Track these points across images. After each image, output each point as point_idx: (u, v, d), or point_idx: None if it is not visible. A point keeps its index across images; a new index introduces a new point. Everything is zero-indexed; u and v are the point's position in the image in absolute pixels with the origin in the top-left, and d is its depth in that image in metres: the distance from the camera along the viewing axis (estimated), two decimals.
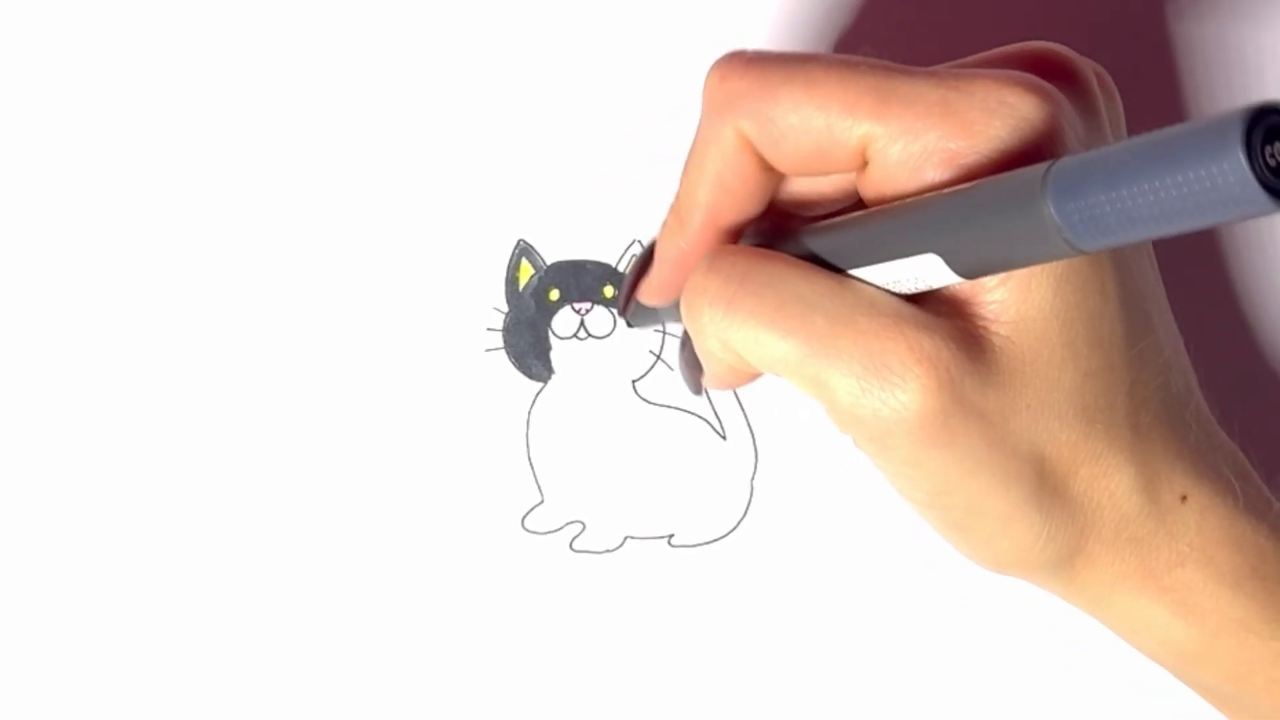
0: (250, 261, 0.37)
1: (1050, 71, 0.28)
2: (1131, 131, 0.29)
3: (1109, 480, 0.27)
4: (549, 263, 0.38)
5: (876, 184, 0.27)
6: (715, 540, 0.38)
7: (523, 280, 0.38)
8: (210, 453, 0.37)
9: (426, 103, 0.38)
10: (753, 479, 0.38)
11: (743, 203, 0.29)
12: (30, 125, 0.37)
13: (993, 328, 0.26)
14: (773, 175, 0.28)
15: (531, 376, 0.38)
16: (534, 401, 0.38)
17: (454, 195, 0.38)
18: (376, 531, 0.38)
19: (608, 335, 0.38)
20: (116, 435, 0.37)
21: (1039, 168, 0.23)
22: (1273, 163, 0.20)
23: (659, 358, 0.38)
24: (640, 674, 0.38)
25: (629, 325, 0.36)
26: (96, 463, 0.37)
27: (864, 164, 0.27)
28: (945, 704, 0.38)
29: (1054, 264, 0.25)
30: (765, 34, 0.38)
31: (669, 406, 0.38)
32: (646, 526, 0.38)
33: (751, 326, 0.26)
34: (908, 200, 0.26)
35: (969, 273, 0.25)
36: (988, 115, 0.25)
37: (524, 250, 0.38)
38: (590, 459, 0.38)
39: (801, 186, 0.29)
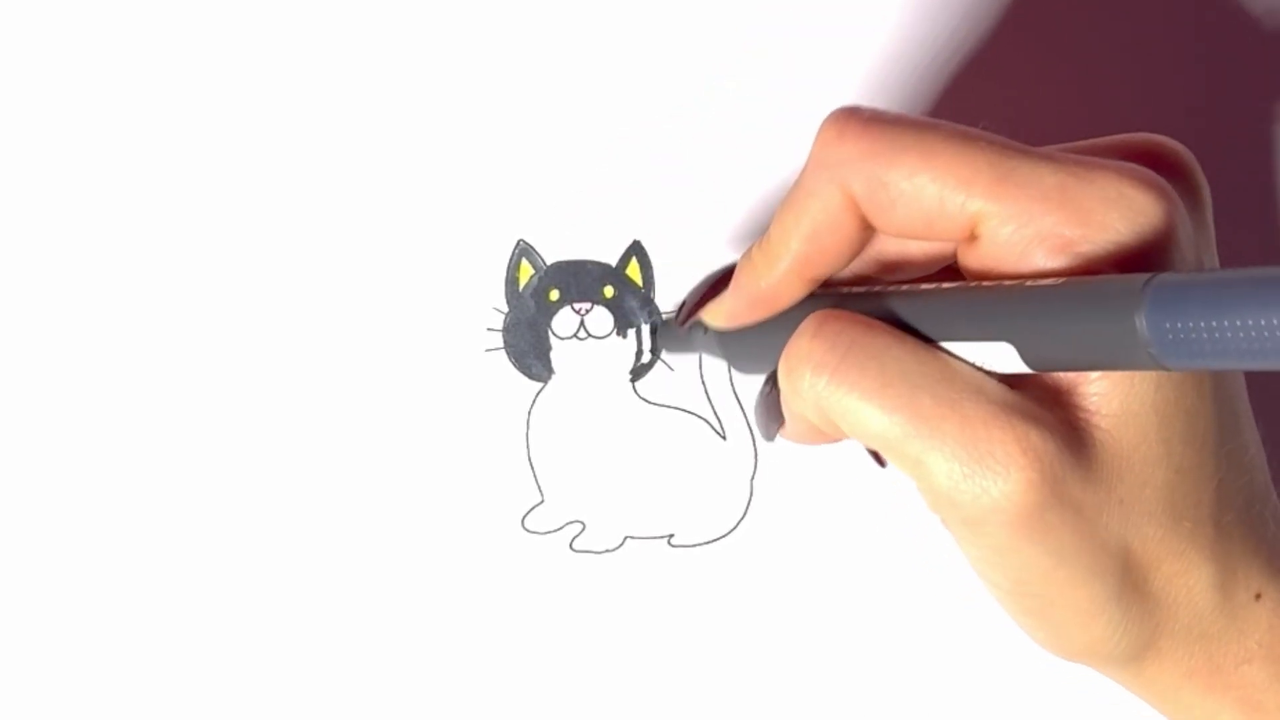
0: (250, 262, 0.37)
1: (1158, 163, 0.28)
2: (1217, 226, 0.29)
3: (1188, 577, 0.28)
4: (549, 263, 0.38)
5: (982, 260, 0.27)
6: (715, 540, 0.38)
7: (523, 280, 0.38)
8: (210, 452, 0.37)
9: (426, 103, 0.38)
10: (753, 479, 0.38)
11: (832, 257, 0.29)
12: (30, 125, 0.37)
13: (1094, 420, 0.26)
14: (867, 235, 0.29)
15: (531, 376, 0.38)
16: (534, 401, 0.38)
17: (454, 195, 0.38)
18: (377, 531, 0.38)
19: (608, 335, 0.38)
20: (116, 435, 0.37)
21: (1138, 278, 0.23)
22: None
23: (659, 358, 0.38)
24: (640, 674, 0.38)
25: (653, 352, 0.37)
26: (96, 463, 0.37)
27: (971, 238, 0.27)
28: (945, 704, 0.38)
29: None
30: (767, 34, 0.38)
31: (669, 406, 0.38)
32: (646, 526, 0.38)
33: (855, 400, 0.27)
34: (998, 284, 0.26)
35: (1040, 366, 0.26)
36: (1105, 206, 0.26)
37: (524, 250, 0.38)
38: (590, 459, 0.38)
39: (891, 246, 0.30)
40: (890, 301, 0.28)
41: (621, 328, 0.38)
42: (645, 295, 0.38)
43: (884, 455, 0.27)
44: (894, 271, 0.31)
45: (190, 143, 0.37)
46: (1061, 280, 0.25)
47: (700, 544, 0.38)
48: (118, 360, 0.37)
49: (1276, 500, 0.30)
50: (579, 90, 0.38)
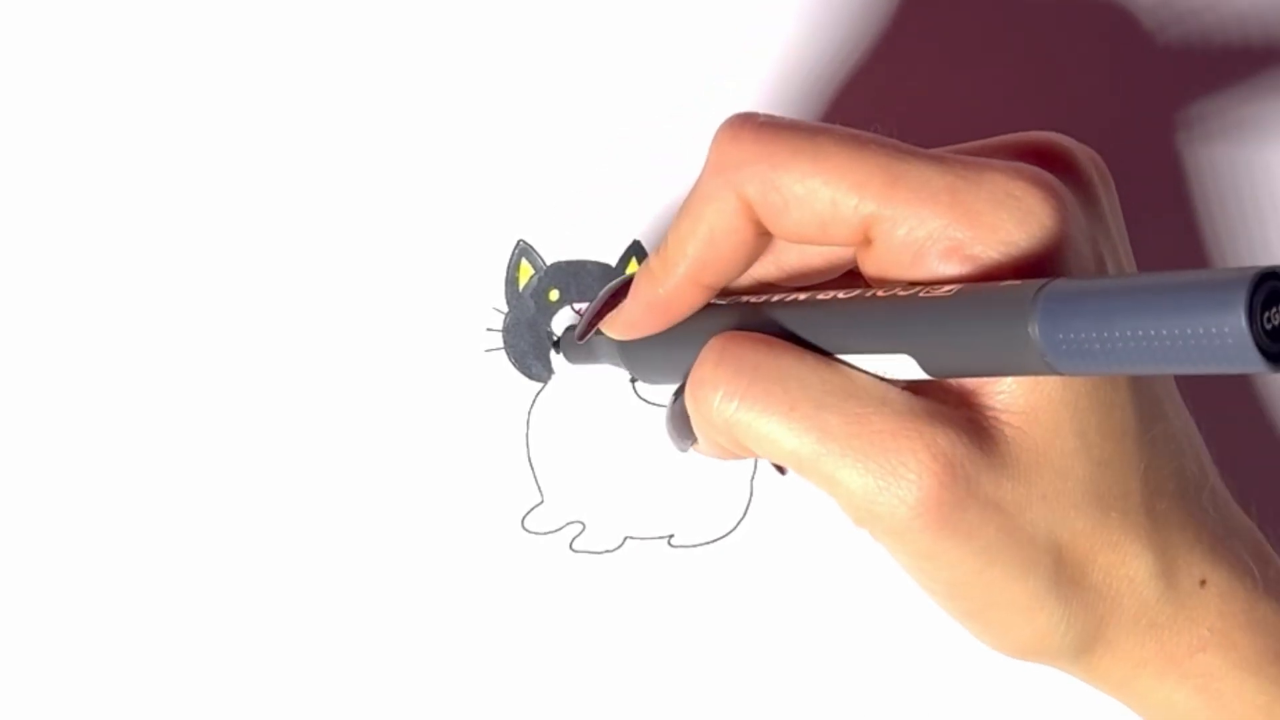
0: (250, 262, 0.37)
1: (1050, 161, 0.28)
2: (1129, 226, 0.29)
3: (1127, 567, 0.28)
4: (549, 263, 0.38)
5: (879, 264, 0.27)
6: (715, 540, 0.38)
7: (522, 280, 0.38)
8: (209, 453, 0.37)
9: (426, 103, 0.38)
10: (753, 479, 0.38)
11: (729, 264, 0.29)
12: (30, 125, 0.37)
13: (1004, 418, 0.26)
14: (764, 241, 0.29)
15: (531, 377, 0.38)
16: (534, 402, 0.38)
17: (454, 195, 0.38)
18: (376, 532, 0.38)
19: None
20: (116, 435, 0.37)
21: (1029, 286, 0.23)
22: (1269, 326, 0.20)
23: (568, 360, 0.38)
24: (640, 674, 0.38)
25: (567, 359, 0.37)
26: (95, 462, 0.37)
27: (866, 241, 0.27)
28: (944, 704, 0.38)
29: None
30: (767, 34, 0.38)
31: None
32: (646, 527, 0.38)
33: (763, 423, 0.27)
34: (892, 295, 0.26)
35: (939, 374, 0.26)
36: (995, 208, 0.26)
37: (524, 250, 0.38)
38: (590, 459, 0.38)
39: (791, 253, 0.30)
40: (788, 314, 0.28)
41: None
42: None
43: (799, 474, 0.27)
44: (795, 278, 0.31)
45: (190, 143, 0.37)
46: (954, 289, 0.25)
47: (700, 544, 0.38)
48: (118, 360, 0.37)
49: (1216, 485, 0.30)
50: (579, 90, 0.38)
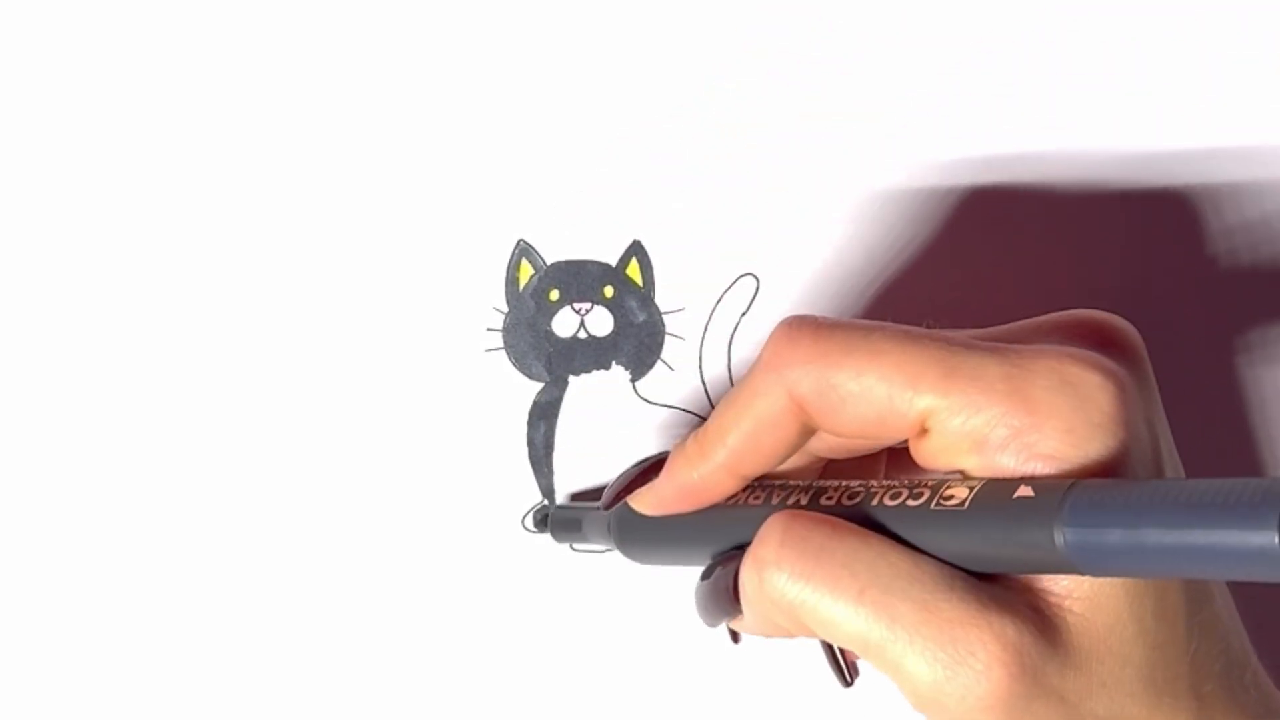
0: (250, 262, 0.37)
1: (1103, 341, 0.29)
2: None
3: None
4: (549, 263, 0.38)
5: (934, 453, 0.27)
6: None
7: (523, 280, 0.38)
8: (210, 452, 0.37)
9: (426, 103, 0.38)
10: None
11: (769, 458, 0.30)
12: (30, 125, 0.37)
13: (1066, 604, 0.26)
14: (805, 438, 0.29)
15: (531, 376, 0.38)
16: (534, 401, 0.38)
17: (454, 195, 0.38)
18: (376, 531, 0.38)
19: (607, 335, 0.38)
20: (116, 435, 0.37)
21: (1057, 491, 0.24)
22: None
23: (660, 358, 0.38)
24: (640, 674, 0.38)
25: (553, 537, 0.37)
26: (95, 462, 0.37)
27: (921, 432, 0.27)
28: None
29: None
30: (767, 34, 0.38)
31: (669, 406, 0.38)
32: None
33: (829, 606, 0.27)
34: (922, 506, 0.27)
35: (983, 571, 0.26)
36: (1051, 393, 0.26)
37: (524, 250, 0.38)
38: (590, 459, 0.38)
39: (816, 442, 0.30)
40: (834, 510, 0.29)
41: (622, 328, 0.38)
42: (645, 295, 0.38)
43: (863, 657, 0.27)
44: (816, 463, 0.32)
45: (190, 144, 0.37)
46: (970, 496, 0.26)
47: None
48: (118, 360, 0.37)
49: (1255, 665, 0.30)
50: (579, 90, 0.38)
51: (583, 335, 0.38)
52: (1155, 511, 0.22)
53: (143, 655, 0.38)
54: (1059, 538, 0.24)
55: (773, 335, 0.29)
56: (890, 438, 0.28)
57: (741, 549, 0.30)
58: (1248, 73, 0.38)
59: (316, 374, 0.38)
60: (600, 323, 0.38)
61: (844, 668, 0.31)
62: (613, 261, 0.38)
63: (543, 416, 0.38)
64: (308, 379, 0.38)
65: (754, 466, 0.30)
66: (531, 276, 0.38)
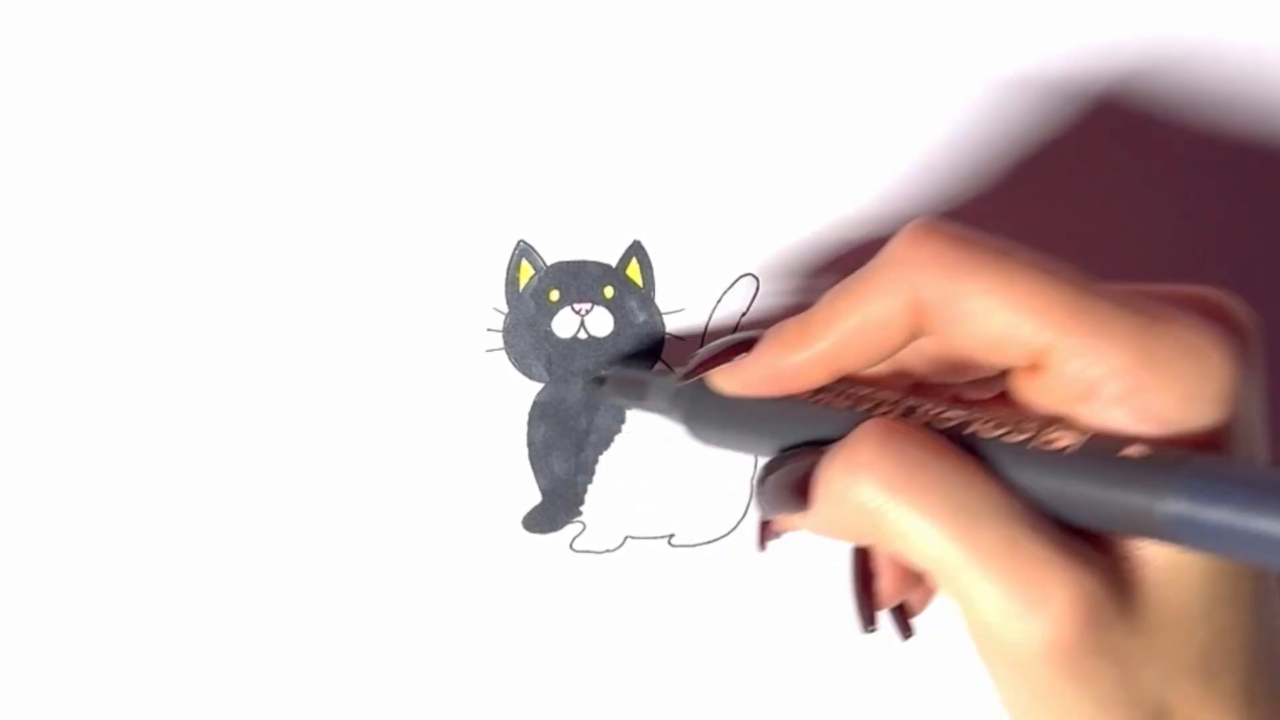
0: (251, 262, 0.37)
1: (1218, 317, 0.28)
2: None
3: None
4: (549, 263, 0.38)
5: (1042, 391, 0.27)
6: (715, 540, 0.38)
7: (523, 281, 0.38)
8: (210, 452, 0.38)
9: (426, 103, 0.38)
10: (753, 479, 0.38)
11: (871, 355, 0.29)
12: (30, 125, 0.37)
13: (1145, 571, 0.26)
14: (912, 340, 0.28)
15: (532, 377, 0.38)
16: (534, 402, 0.38)
17: (454, 195, 0.38)
18: (376, 531, 0.38)
19: (607, 336, 0.38)
20: (116, 434, 0.37)
21: (1170, 459, 0.24)
22: None
23: (659, 358, 0.38)
24: (640, 674, 0.38)
25: (611, 397, 0.36)
26: (95, 462, 0.37)
27: (1033, 368, 0.27)
28: (944, 704, 0.38)
29: None
30: (767, 34, 0.38)
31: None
32: (646, 526, 0.38)
33: (915, 521, 0.26)
34: (1041, 444, 0.26)
35: (1078, 524, 0.26)
36: (1179, 356, 0.26)
37: (524, 251, 0.38)
38: (590, 459, 0.38)
39: (912, 356, 0.30)
40: (918, 413, 0.28)
41: (622, 328, 0.38)
42: (645, 295, 0.38)
43: (934, 578, 0.27)
44: (900, 379, 0.31)
45: (191, 144, 0.37)
46: (1076, 444, 0.25)
47: (700, 544, 0.38)
48: (118, 360, 0.37)
49: None
50: (579, 90, 0.38)
51: (583, 336, 0.38)
52: (1268, 497, 0.22)
53: (142, 655, 0.38)
54: (1163, 507, 0.23)
55: (904, 232, 0.28)
56: (999, 364, 0.28)
57: (816, 445, 0.29)
58: None
59: (317, 374, 0.38)
60: (600, 323, 0.38)
61: (871, 612, 0.30)
62: (613, 262, 0.38)
63: (543, 417, 0.38)
64: (308, 379, 0.38)
65: (853, 361, 0.29)
66: (532, 277, 0.38)
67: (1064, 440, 0.26)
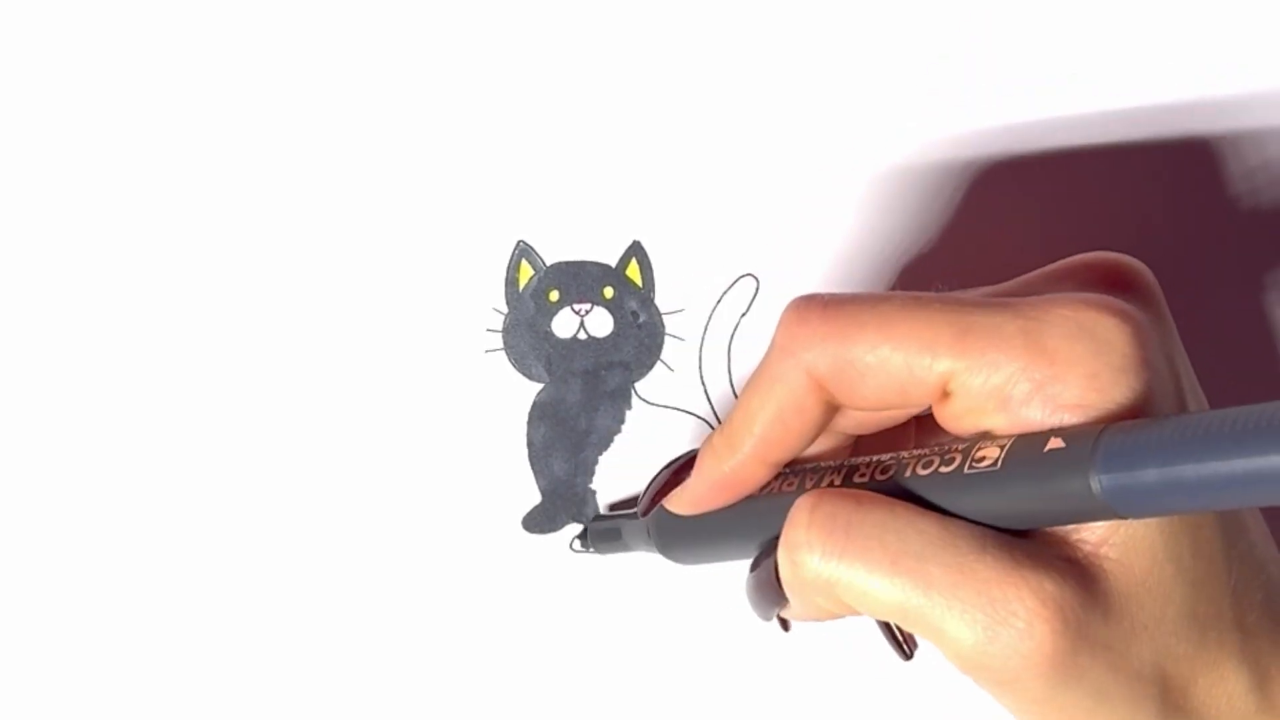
0: (250, 262, 0.37)
1: (1114, 281, 0.28)
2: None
3: (1225, 685, 0.28)
4: (549, 263, 0.38)
5: (958, 415, 0.27)
6: None
7: (522, 281, 0.38)
8: (209, 453, 0.38)
9: (426, 103, 0.38)
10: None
11: (797, 440, 0.29)
12: (30, 125, 0.37)
13: (1102, 552, 0.26)
14: (830, 416, 0.29)
15: (531, 377, 0.38)
16: (534, 402, 0.38)
17: (454, 195, 0.38)
18: (376, 532, 0.38)
19: (607, 336, 0.38)
20: (116, 435, 0.37)
21: (1088, 438, 0.24)
22: None
23: (659, 359, 0.38)
24: (640, 674, 0.38)
25: (594, 549, 0.37)
26: (95, 462, 0.37)
27: (944, 396, 0.27)
28: (943, 704, 0.38)
29: None
30: (767, 34, 0.38)
31: (669, 406, 0.38)
32: None
33: (864, 579, 0.27)
34: (954, 470, 0.26)
35: (1016, 526, 0.26)
36: (1069, 342, 0.26)
37: (524, 251, 0.38)
38: (590, 460, 0.38)
39: (844, 420, 0.30)
40: (868, 486, 0.29)
41: (621, 328, 0.38)
42: (645, 296, 0.38)
43: (903, 626, 0.27)
44: (846, 442, 0.31)
45: (190, 144, 0.37)
46: (1002, 454, 0.26)
47: None
48: (118, 360, 0.37)
49: None
50: (579, 90, 0.38)
51: (582, 336, 0.38)
52: (1189, 445, 0.22)
53: (141, 655, 0.38)
54: (1095, 484, 0.23)
55: (783, 317, 0.29)
56: (914, 405, 0.28)
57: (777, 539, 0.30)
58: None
59: (317, 375, 0.38)
60: (600, 323, 0.38)
61: (901, 641, 0.30)
62: (612, 262, 0.38)
63: (543, 417, 0.38)
64: (308, 380, 0.38)
65: (783, 452, 0.30)
66: (531, 277, 0.38)
67: (990, 455, 0.26)
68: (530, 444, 0.38)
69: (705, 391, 0.38)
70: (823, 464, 0.30)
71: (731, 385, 0.38)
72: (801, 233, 0.38)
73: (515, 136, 0.38)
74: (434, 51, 0.38)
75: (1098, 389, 0.26)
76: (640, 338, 0.38)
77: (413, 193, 0.38)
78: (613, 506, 0.38)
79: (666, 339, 0.38)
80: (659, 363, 0.38)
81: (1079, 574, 0.26)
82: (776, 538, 0.30)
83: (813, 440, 0.30)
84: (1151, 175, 0.38)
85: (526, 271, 0.38)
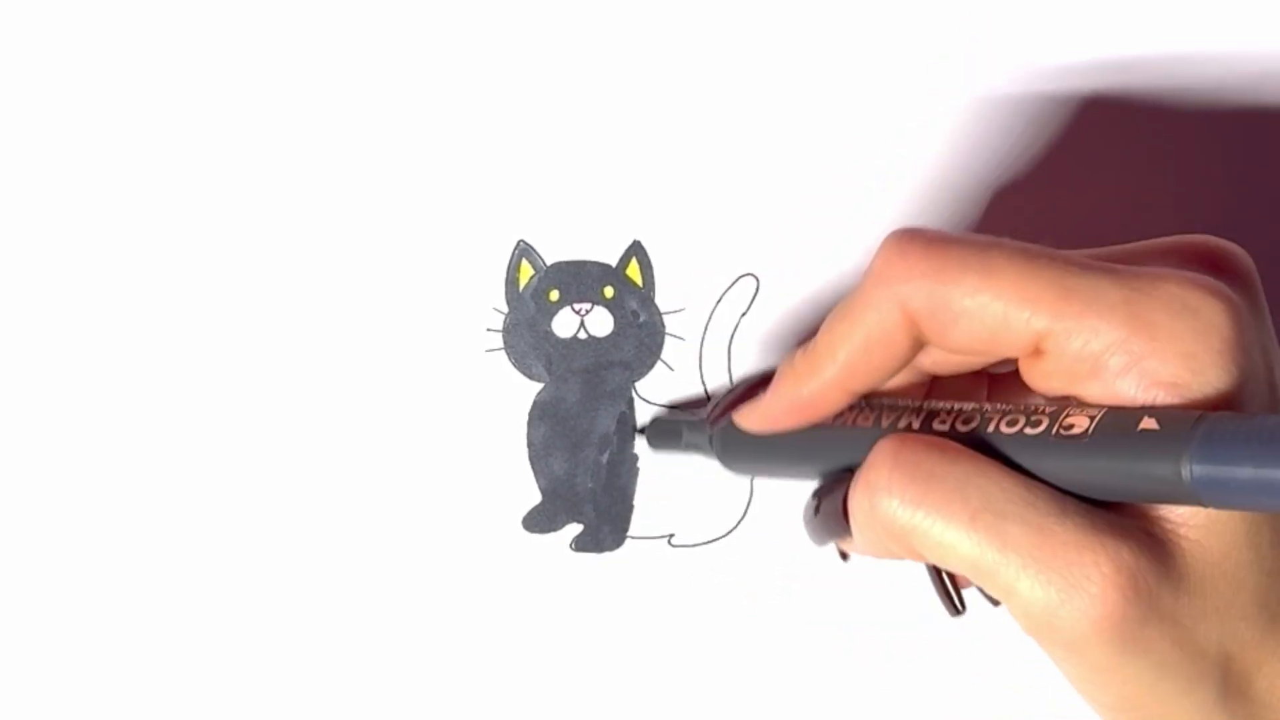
0: (250, 263, 0.37)
1: (1217, 267, 0.28)
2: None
3: None
4: (549, 263, 0.38)
5: (1046, 375, 0.27)
6: (715, 540, 0.38)
7: (523, 281, 0.38)
8: (209, 453, 0.37)
9: (426, 103, 0.38)
10: (753, 479, 0.38)
11: (879, 372, 0.29)
12: (30, 125, 0.37)
13: (1182, 530, 0.26)
14: (915, 352, 0.29)
15: (531, 377, 0.38)
16: (534, 402, 0.38)
17: (454, 195, 0.38)
18: (376, 532, 0.38)
19: (608, 336, 0.38)
20: (115, 435, 0.37)
21: (1184, 423, 0.24)
22: None
23: (659, 358, 0.38)
24: (641, 674, 0.38)
25: (650, 446, 0.37)
26: (94, 462, 0.37)
27: (1036, 353, 0.27)
28: (944, 704, 0.38)
29: None
30: (767, 34, 0.38)
31: (669, 407, 0.38)
32: (646, 526, 0.38)
33: (942, 531, 0.27)
34: (1047, 432, 0.26)
35: (1098, 496, 0.26)
36: (1171, 317, 0.26)
37: (524, 251, 0.38)
38: (590, 460, 0.38)
39: (925, 358, 0.30)
40: (948, 435, 0.28)
41: (622, 328, 0.38)
42: (645, 295, 0.38)
43: (974, 581, 0.27)
44: (923, 380, 0.31)
45: (190, 144, 0.37)
46: (1095, 423, 0.26)
47: (701, 544, 0.38)
48: (118, 360, 0.37)
49: None
50: (579, 90, 0.38)
51: (583, 336, 0.38)
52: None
53: (140, 654, 0.38)
54: (1186, 472, 0.24)
55: (883, 246, 0.28)
56: (1003, 355, 0.28)
57: (850, 470, 0.29)
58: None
59: (317, 375, 0.38)
60: (600, 323, 0.38)
61: (954, 596, 0.30)
62: (613, 262, 0.38)
63: (543, 417, 0.38)
64: (308, 380, 0.38)
65: (864, 381, 0.29)
66: (531, 277, 0.38)
67: (1079, 424, 0.26)
68: (530, 444, 0.38)
69: (705, 392, 0.38)
70: (901, 402, 0.30)
71: (731, 384, 0.38)
72: (801, 233, 0.38)
73: (515, 137, 0.38)
74: (434, 52, 0.38)
75: (1194, 370, 0.26)
76: (640, 337, 0.38)
77: (413, 193, 0.38)
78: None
79: (667, 338, 0.38)
80: (659, 362, 0.38)
81: (1156, 548, 0.26)
82: (846, 469, 0.30)
83: (895, 374, 0.29)
84: (1155, 175, 0.38)
85: (527, 271, 0.38)
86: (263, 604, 0.38)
